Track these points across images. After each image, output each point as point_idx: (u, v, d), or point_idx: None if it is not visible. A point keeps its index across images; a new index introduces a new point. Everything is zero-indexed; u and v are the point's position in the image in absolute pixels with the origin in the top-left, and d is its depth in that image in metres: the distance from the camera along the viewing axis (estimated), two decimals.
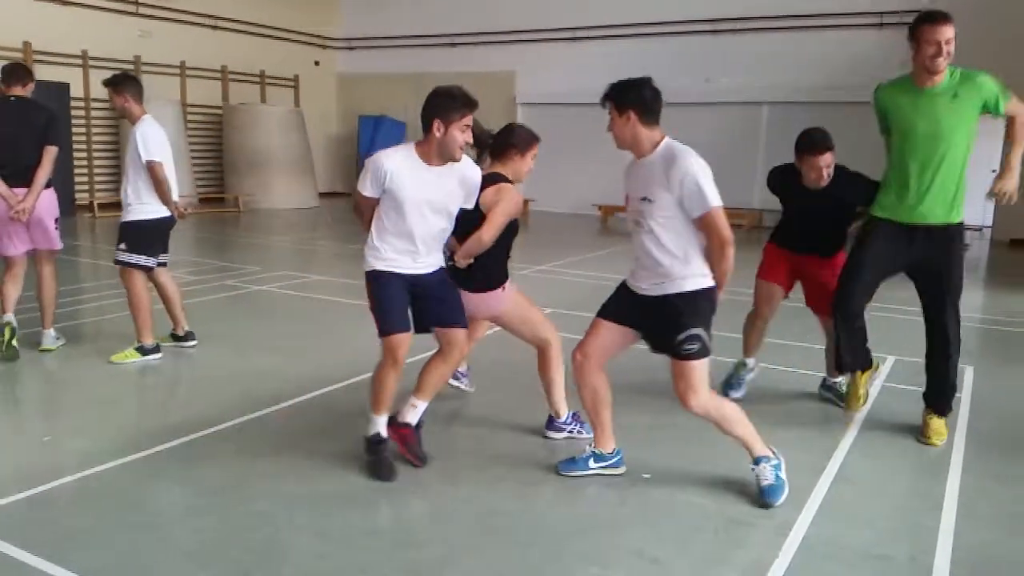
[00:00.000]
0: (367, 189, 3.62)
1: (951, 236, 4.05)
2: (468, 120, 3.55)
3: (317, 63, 20.75)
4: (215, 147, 18.06)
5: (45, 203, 5.46)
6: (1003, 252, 12.98)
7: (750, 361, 4.97)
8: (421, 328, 3.77)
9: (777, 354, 5.76)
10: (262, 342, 6.09)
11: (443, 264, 3.84)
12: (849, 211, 4.55)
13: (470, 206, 3.78)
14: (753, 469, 3.46)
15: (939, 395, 4.23)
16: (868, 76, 14.95)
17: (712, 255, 3.31)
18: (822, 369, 4.99)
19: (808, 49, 15.58)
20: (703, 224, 3.27)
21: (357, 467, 3.73)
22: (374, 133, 19.68)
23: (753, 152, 16.49)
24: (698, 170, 3.21)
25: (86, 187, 15.47)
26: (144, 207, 5.32)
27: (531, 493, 3.38)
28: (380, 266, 3.66)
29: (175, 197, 5.41)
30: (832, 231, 4.67)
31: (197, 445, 3.98)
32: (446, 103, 3.52)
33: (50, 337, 5.63)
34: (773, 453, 3.49)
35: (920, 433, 4.23)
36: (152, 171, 5.22)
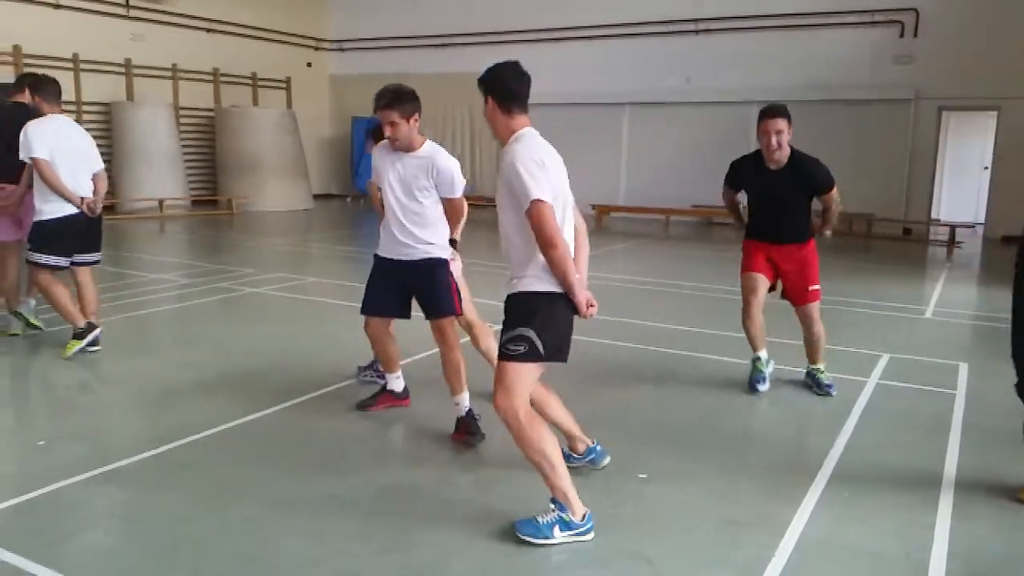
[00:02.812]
0: (374, 176, 4.31)
1: None
2: (384, 115, 3.92)
3: (309, 65, 20.69)
4: (208, 150, 17.98)
5: (26, 201, 5.72)
6: (995, 248, 13.00)
7: (762, 354, 5.05)
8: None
9: (773, 353, 5.76)
10: (254, 345, 6.05)
11: (431, 255, 4.19)
12: (809, 193, 4.79)
13: (452, 195, 4.16)
14: (550, 508, 3.12)
15: None
16: (857, 74, 15.10)
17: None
18: None
19: (797, 48, 15.57)
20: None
21: (348, 471, 3.72)
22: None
23: (741, 152, 16.43)
24: (520, 157, 2.94)
25: None
26: (45, 207, 5.39)
27: (525, 495, 3.36)
28: (377, 251, 4.33)
29: (85, 193, 5.47)
30: (795, 212, 4.85)
31: (187, 449, 3.95)
32: None
33: (28, 306, 5.93)
34: (583, 516, 3.09)
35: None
36: (36, 168, 5.28)
